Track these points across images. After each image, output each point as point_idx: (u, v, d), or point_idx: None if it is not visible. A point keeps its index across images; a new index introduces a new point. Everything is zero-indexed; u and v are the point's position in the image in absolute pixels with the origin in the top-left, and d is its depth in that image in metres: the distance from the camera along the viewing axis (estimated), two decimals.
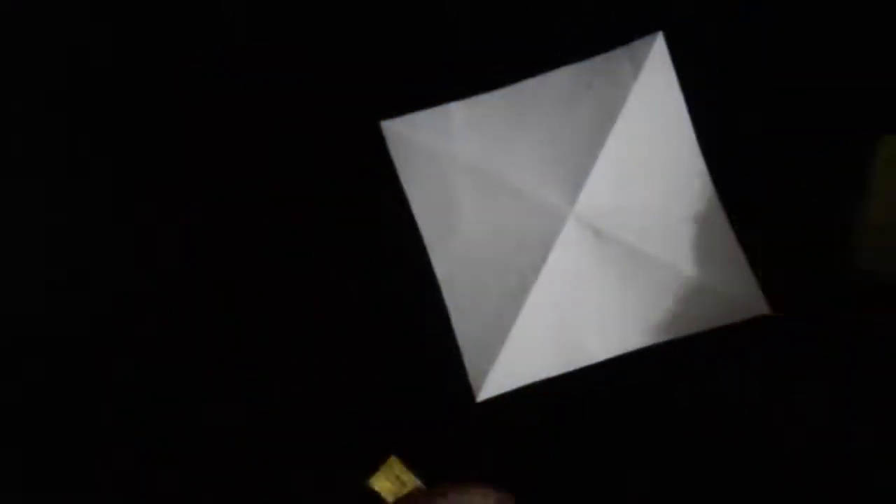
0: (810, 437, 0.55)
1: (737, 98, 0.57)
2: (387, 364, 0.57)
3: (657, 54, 0.57)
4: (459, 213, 0.57)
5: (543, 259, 0.55)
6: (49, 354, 0.58)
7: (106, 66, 0.60)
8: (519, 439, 0.56)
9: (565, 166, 0.56)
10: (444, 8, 0.59)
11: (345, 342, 0.57)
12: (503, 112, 0.57)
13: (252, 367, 0.57)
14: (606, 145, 0.55)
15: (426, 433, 0.56)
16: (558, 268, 0.55)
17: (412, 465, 0.54)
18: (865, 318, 0.55)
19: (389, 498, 0.54)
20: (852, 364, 0.55)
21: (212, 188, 0.59)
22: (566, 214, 0.55)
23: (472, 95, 0.58)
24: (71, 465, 0.57)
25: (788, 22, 0.57)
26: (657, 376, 0.55)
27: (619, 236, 0.55)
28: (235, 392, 0.57)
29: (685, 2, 0.58)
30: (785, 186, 0.56)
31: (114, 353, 0.58)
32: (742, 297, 0.55)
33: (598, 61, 0.58)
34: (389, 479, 0.54)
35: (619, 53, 0.57)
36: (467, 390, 0.56)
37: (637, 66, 0.57)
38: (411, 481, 0.54)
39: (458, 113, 0.58)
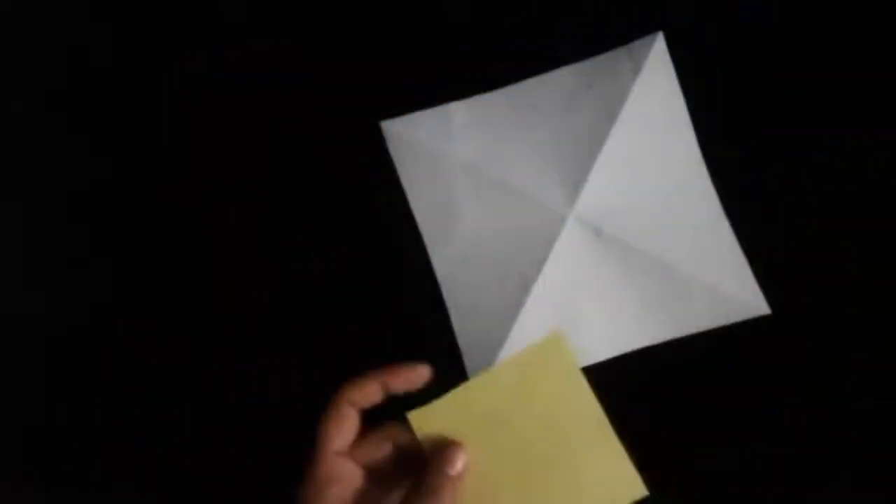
0: (810, 436, 0.55)
1: (737, 98, 0.57)
2: (386, 364, 0.57)
3: (657, 54, 0.57)
4: (459, 213, 0.57)
5: (543, 259, 0.55)
6: (49, 354, 0.58)
7: (106, 66, 0.60)
8: None
9: (565, 166, 0.56)
10: (444, 8, 0.59)
11: (345, 342, 0.57)
12: (503, 112, 0.58)
13: (252, 367, 0.57)
14: (606, 145, 0.56)
15: None
16: (558, 267, 0.55)
17: None
18: (865, 317, 0.55)
19: None
20: (852, 364, 0.55)
21: (212, 188, 0.59)
22: (566, 214, 0.55)
23: (472, 95, 0.58)
24: (70, 465, 0.57)
25: (788, 22, 0.57)
26: (657, 376, 0.55)
27: (619, 236, 0.55)
28: (235, 392, 0.57)
29: (685, 2, 0.58)
30: (785, 186, 0.56)
31: (114, 353, 0.58)
32: (742, 297, 0.55)
33: (598, 61, 0.58)
34: None
35: (619, 53, 0.57)
36: None
37: (637, 66, 0.57)
38: None
39: (458, 113, 0.58)
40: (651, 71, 0.57)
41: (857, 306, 0.55)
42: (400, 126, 0.58)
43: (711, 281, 0.55)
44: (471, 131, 0.57)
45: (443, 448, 0.43)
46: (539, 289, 0.55)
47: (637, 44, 0.57)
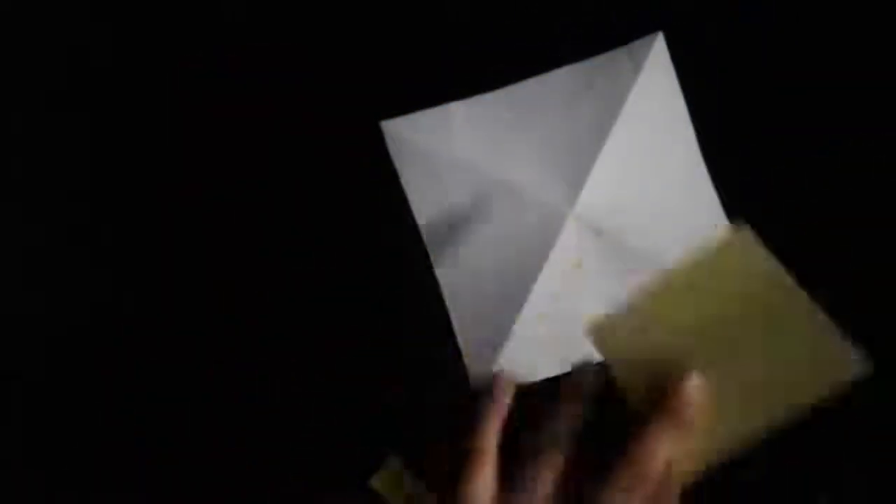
0: (810, 436, 0.54)
1: (737, 98, 0.57)
2: (387, 364, 0.57)
3: (657, 54, 0.57)
4: (459, 213, 0.57)
5: (544, 259, 0.55)
6: (49, 354, 0.58)
7: (106, 66, 0.60)
8: None
9: (565, 166, 0.56)
10: (444, 8, 0.59)
11: (345, 342, 0.57)
12: (503, 112, 0.58)
13: (252, 367, 0.57)
14: (606, 145, 0.56)
15: (426, 433, 0.56)
16: (558, 267, 0.55)
17: (412, 465, 0.54)
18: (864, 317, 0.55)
19: (390, 498, 0.54)
20: None
21: (212, 188, 0.59)
22: (566, 214, 0.55)
23: (472, 95, 0.58)
24: (70, 465, 0.57)
25: (788, 22, 0.57)
26: None
27: (620, 236, 0.55)
28: (235, 392, 0.57)
29: (685, 2, 0.58)
30: (785, 186, 0.56)
31: (114, 353, 0.58)
32: None
33: (598, 61, 0.58)
34: (390, 479, 0.54)
35: (619, 53, 0.57)
36: (467, 390, 0.56)
37: (637, 66, 0.57)
38: (411, 482, 0.54)
39: (459, 113, 0.58)
40: (651, 71, 0.57)
41: (857, 306, 0.55)
42: (400, 126, 0.58)
43: None
44: (471, 131, 0.57)
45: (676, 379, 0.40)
46: (539, 289, 0.55)
47: (637, 44, 0.57)
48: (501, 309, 0.55)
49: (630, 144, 0.56)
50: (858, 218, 0.56)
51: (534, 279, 0.55)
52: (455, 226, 0.57)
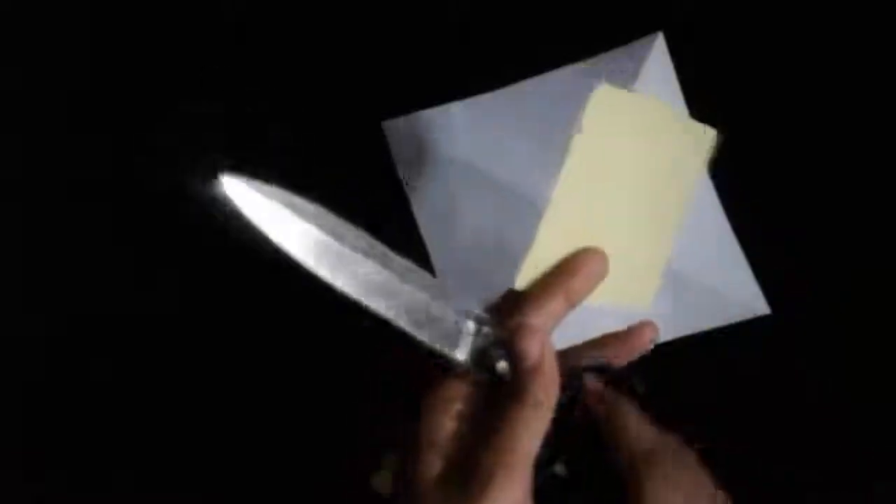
0: (809, 436, 0.55)
1: (737, 98, 0.57)
2: (386, 363, 0.57)
3: (657, 54, 0.57)
4: (460, 214, 0.57)
5: None
6: (49, 355, 0.58)
7: (105, 67, 0.60)
8: None
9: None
10: (444, 8, 0.59)
11: (344, 342, 0.57)
12: (504, 112, 0.57)
13: (252, 367, 0.57)
14: None
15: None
16: None
17: None
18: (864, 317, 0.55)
19: (390, 498, 0.54)
20: (852, 363, 0.55)
21: (211, 188, 0.58)
22: None
23: (473, 95, 0.58)
24: (70, 465, 0.57)
25: (788, 22, 0.57)
26: (656, 376, 0.55)
27: None
28: (235, 392, 0.57)
29: (685, 2, 0.58)
30: (785, 187, 0.56)
31: (113, 353, 0.58)
32: (742, 297, 0.55)
33: (598, 61, 0.57)
34: (390, 479, 0.54)
35: (619, 53, 0.57)
36: None
37: (637, 66, 0.57)
38: None
39: (459, 113, 0.58)
40: (651, 71, 0.57)
41: (857, 306, 0.55)
42: (401, 126, 0.58)
43: (711, 281, 0.55)
44: (471, 131, 0.57)
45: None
46: None
47: (637, 44, 0.57)
48: None
49: None
50: (858, 218, 0.56)
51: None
52: (455, 226, 0.57)
